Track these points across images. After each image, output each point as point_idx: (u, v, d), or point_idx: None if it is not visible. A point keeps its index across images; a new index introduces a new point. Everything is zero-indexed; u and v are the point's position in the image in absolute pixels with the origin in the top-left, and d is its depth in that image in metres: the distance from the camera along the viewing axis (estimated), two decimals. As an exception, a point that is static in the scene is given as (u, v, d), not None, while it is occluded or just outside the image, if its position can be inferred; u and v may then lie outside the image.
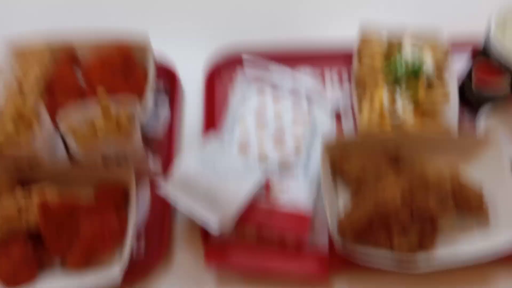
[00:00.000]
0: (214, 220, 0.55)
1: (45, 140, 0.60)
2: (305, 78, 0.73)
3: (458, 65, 0.69)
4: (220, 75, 0.76)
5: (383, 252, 0.52)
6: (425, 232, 0.51)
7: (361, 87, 0.68)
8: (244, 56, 0.76)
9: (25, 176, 0.61)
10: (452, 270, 0.55)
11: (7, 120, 0.58)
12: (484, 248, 0.51)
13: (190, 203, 0.57)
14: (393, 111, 0.63)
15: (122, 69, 0.71)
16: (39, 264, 0.56)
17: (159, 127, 0.71)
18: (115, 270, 0.54)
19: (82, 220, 0.57)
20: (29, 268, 0.55)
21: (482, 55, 0.60)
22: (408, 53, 0.66)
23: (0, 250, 0.56)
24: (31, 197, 0.56)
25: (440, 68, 0.67)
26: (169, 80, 0.76)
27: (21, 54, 0.70)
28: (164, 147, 0.69)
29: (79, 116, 0.60)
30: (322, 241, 0.58)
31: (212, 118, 0.71)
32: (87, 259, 0.56)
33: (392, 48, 0.68)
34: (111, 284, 0.54)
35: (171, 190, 0.58)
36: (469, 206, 0.54)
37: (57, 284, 0.55)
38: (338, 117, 0.70)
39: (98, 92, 0.62)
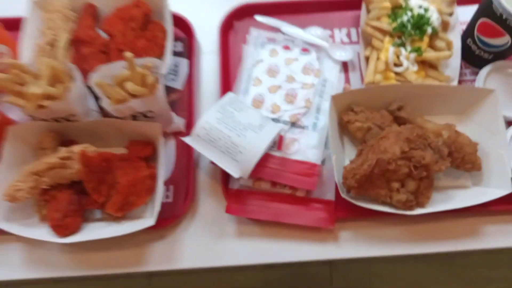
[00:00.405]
0: (236, 169, 0.62)
1: (78, 95, 0.64)
2: (315, 35, 0.76)
3: (463, 21, 0.73)
4: (234, 34, 0.79)
5: (383, 206, 0.61)
6: (421, 189, 0.60)
7: (368, 44, 0.72)
8: (257, 17, 0.78)
9: (65, 135, 0.66)
10: (445, 219, 0.64)
11: (43, 77, 0.61)
12: (475, 201, 0.59)
13: (213, 154, 0.63)
14: (397, 63, 0.68)
15: (141, 25, 0.74)
16: (83, 211, 0.64)
17: (179, 83, 0.75)
18: (149, 220, 0.61)
19: (117, 171, 0.64)
20: (75, 213, 0.62)
21: (485, 13, 0.63)
22: (415, 7, 0.69)
23: (49, 197, 0.62)
24: (71, 151, 0.62)
25: (444, 22, 0.71)
26: (186, 37, 0.78)
27: (46, 11, 0.72)
28: (185, 102, 0.73)
29: (107, 73, 0.63)
30: (329, 190, 0.66)
31: (228, 77, 0.75)
32: (124, 206, 0.63)
33: (399, 3, 0.71)
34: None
35: (195, 141, 0.63)
36: (463, 158, 0.61)
37: (99, 230, 0.63)
38: (346, 70, 0.75)
39: (123, 51, 0.66)
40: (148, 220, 0.61)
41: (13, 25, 0.73)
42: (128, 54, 0.60)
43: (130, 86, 0.61)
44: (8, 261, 0.66)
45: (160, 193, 0.63)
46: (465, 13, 0.73)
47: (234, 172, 0.62)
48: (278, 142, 0.67)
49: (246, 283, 1.20)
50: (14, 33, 0.73)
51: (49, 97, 0.62)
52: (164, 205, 0.64)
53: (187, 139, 0.64)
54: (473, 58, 0.71)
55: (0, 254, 0.67)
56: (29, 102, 0.61)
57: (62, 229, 0.62)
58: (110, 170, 0.64)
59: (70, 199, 0.63)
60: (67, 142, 0.67)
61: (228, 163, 0.62)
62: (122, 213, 0.63)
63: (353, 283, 1.31)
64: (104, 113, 0.67)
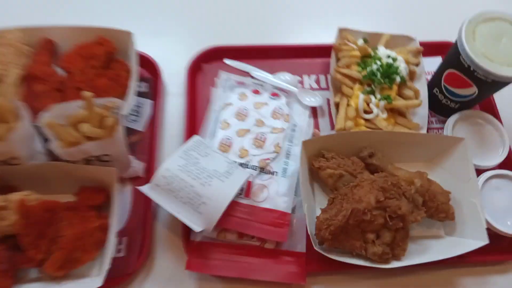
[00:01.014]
0: (198, 221, 0.56)
1: (23, 136, 0.58)
2: (285, 80, 0.75)
3: (429, 72, 0.75)
4: (203, 77, 0.76)
5: (358, 259, 0.56)
6: (397, 240, 0.56)
7: (338, 90, 0.72)
8: (226, 60, 0.77)
9: (4, 180, 0.59)
10: (421, 271, 0.61)
11: (-18, 115, 0.54)
12: (451, 253, 0.57)
13: (172, 205, 0.57)
14: (367, 110, 0.67)
15: (103, 63, 0.70)
16: (15, 271, 0.54)
17: (141, 125, 0.70)
18: (96, 280, 0.53)
19: (62, 222, 0.56)
20: (4, 274, 0.53)
21: (452, 64, 0.64)
22: (382, 57, 0.70)
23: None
24: (8, 200, 0.54)
25: (412, 71, 0.72)
26: (152, 78, 0.75)
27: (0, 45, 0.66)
28: (146, 145, 0.68)
29: (61, 113, 0.58)
30: (300, 241, 0.61)
31: (194, 119, 0.71)
32: (67, 263, 0.55)
33: (368, 52, 0.72)
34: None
35: (153, 191, 0.58)
36: (437, 208, 0.59)
37: None
38: (315, 115, 0.74)
39: (81, 90, 0.61)
40: (95, 280, 0.53)
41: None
42: (87, 93, 0.55)
43: (86, 128, 0.56)
44: None
45: (111, 247, 0.55)
46: (431, 64, 0.75)
47: (196, 225, 0.56)
48: (246, 189, 0.62)
49: None
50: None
51: (-11, 137, 0.55)
52: (115, 261, 0.56)
53: (144, 189, 0.58)
54: (440, 107, 0.72)
55: None
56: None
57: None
58: (54, 222, 0.56)
59: (1, 256, 0.54)
60: (5, 188, 0.59)
61: (190, 215, 0.57)
62: (64, 272, 0.55)
63: None
64: (53, 156, 0.60)
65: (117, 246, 0.60)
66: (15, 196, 0.55)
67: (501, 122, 0.71)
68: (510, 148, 0.68)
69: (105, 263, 0.54)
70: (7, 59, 0.66)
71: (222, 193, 0.57)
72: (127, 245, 0.60)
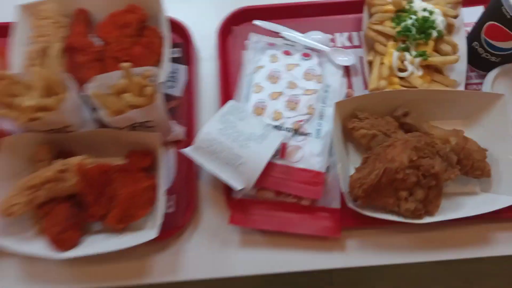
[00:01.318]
0: (238, 180, 0.60)
1: (72, 105, 0.62)
2: (316, 39, 0.75)
3: (468, 23, 0.72)
4: (233, 40, 0.77)
5: (391, 215, 0.59)
6: (430, 197, 0.58)
7: (371, 48, 0.71)
8: (256, 22, 0.77)
9: (62, 146, 0.65)
10: (455, 227, 0.63)
11: (36, 87, 0.59)
12: (485, 208, 0.58)
13: (214, 165, 0.61)
14: (402, 68, 0.67)
15: (137, 31, 0.72)
16: (82, 224, 0.62)
17: (178, 90, 0.73)
18: (151, 232, 0.59)
19: (116, 183, 0.62)
20: (74, 227, 0.60)
21: (493, 16, 0.63)
22: (419, 10, 0.68)
23: (46, 210, 0.60)
24: (68, 163, 0.60)
25: (450, 24, 0.70)
26: (184, 43, 0.77)
27: (36, 17, 0.69)
28: (184, 110, 0.72)
29: (104, 83, 0.61)
30: (334, 198, 0.64)
31: (228, 83, 0.73)
32: (125, 218, 0.61)
33: (402, 6, 0.70)
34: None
35: (196, 153, 0.62)
36: (473, 166, 0.60)
37: (100, 243, 0.61)
38: (348, 75, 0.74)
39: (119, 59, 0.64)
40: (150, 232, 0.59)
41: (1, 31, 0.71)
42: (125, 64, 0.58)
43: (128, 97, 0.59)
44: (4, 277, 0.64)
45: (161, 205, 0.61)
46: (470, 15, 0.72)
47: (237, 184, 0.60)
48: (281, 150, 0.65)
49: (247, 280, 1.20)
50: (2, 39, 0.70)
51: (43, 108, 0.60)
52: (166, 216, 0.62)
53: (187, 151, 0.62)
54: (479, 62, 0.70)
55: None
56: (22, 114, 0.59)
57: (60, 243, 0.60)
58: (109, 182, 0.62)
59: (68, 213, 0.61)
60: (63, 153, 0.65)
61: (230, 174, 0.61)
62: (123, 225, 0.62)
63: (352, 282, 1.30)
64: (101, 124, 0.65)
65: (167, 203, 0.65)
66: (74, 160, 0.61)
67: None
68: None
69: (158, 217, 0.60)
70: (47, 31, 0.69)
71: (259, 154, 0.61)
72: (176, 202, 0.66)
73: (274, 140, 0.63)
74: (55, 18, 0.70)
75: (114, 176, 0.62)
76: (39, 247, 0.60)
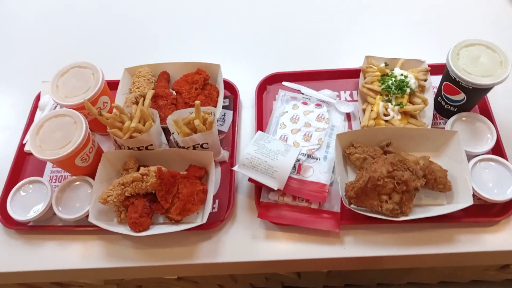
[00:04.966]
0: (274, 183, 0.84)
1: (156, 131, 0.92)
2: (326, 94, 1.03)
3: (435, 85, 0.99)
4: (267, 94, 1.07)
5: (376, 214, 0.81)
6: (404, 200, 0.80)
7: (364, 100, 0.98)
8: (284, 83, 1.07)
9: (142, 161, 0.92)
10: (427, 229, 0.83)
11: (135, 117, 0.89)
12: (445, 211, 0.79)
13: (255, 175, 0.85)
14: (386, 113, 0.93)
15: (201, 86, 1.03)
16: (152, 214, 0.86)
17: (226, 127, 1.02)
18: (201, 221, 0.83)
19: (180, 185, 0.88)
20: (147, 215, 0.85)
21: (446, 78, 0.88)
22: (398, 75, 0.95)
23: (129, 202, 0.86)
24: (149, 170, 0.87)
25: (421, 86, 0.97)
26: (232, 96, 1.08)
27: (135, 76, 1.04)
28: (229, 141, 1.00)
29: (179, 116, 0.91)
30: (336, 204, 0.87)
31: (261, 124, 1.01)
32: (183, 211, 0.85)
33: (386, 72, 0.97)
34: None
35: (242, 168, 0.86)
36: (436, 180, 0.81)
37: (163, 229, 0.84)
38: (349, 119, 1.01)
39: (188, 104, 0.95)
40: (200, 222, 0.83)
41: (112, 85, 1.04)
42: (197, 102, 0.88)
43: (196, 122, 0.88)
44: (91, 253, 0.88)
45: (210, 203, 0.85)
46: (437, 80, 0.99)
47: (273, 186, 0.84)
48: (297, 168, 0.90)
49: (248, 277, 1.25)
50: (113, 91, 1.03)
51: (138, 130, 0.89)
52: (211, 214, 0.85)
53: (236, 168, 0.87)
54: (442, 111, 0.96)
55: (85, 248, 0.89)
56: (125, 133, 0.89)
57: (137, 226, 0.83)
58: (175, 184, 0.88)
59: (144, 204, 0.86)
60: (143, 166, 0.92)
61: (267, 180, 0.85)
62: (182, 216, 0.85)
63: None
64: (170, 145, 0.94)
65: (212, 205, 0.90)
66: (154, 168, 0.88)
67: (494, 121, 0.92)
68: (497, 138, 0.89)
69: (206, 211, 0.84)
70: (141, 85, 1.03)
71: (286, 162, 0.85)
72: (219, 204, 0.90)
73: (294, 153, 0.87)
74: (147, 77, 1.04)
75: (178, 180, 0.89)
76: (121, 230, 0.84)
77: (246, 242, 0.86)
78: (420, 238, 0.84)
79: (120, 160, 0.93)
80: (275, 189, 0.84)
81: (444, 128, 0.93)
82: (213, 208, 0.90)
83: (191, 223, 0.86)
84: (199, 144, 0.91)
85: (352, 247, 0.84)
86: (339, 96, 1.05)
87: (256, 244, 0.86)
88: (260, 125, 1.01)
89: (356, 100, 1.03)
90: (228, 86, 1.07)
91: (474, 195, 0.80)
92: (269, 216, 0.87)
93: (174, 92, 1.04)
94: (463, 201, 0.80)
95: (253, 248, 0.86)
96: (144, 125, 0.89)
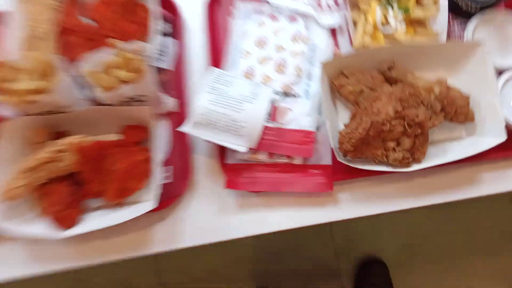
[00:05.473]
0: (242, 143, 0.63)
1: (65, 86, 0.64)
2: (302, 2, 0.75)
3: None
4: (221, 9, 0.77)
5: (380, 165, 0.61)
6: (417, 145, 0.60)
7: (355, 6, 0.72)
8: (241, -12, 0.77)
9: (59, 127, 0.67)
10: (442, 172, 0.65)
11: (30, 71, 0.61)
12: (470, 152, 0.60)
13: (215, 135, 0.63)
14: (385, 22, 0.68)
15: (127, 8, 0.72)
16: (79, 202, 0.64)
17: (168, 63, 0.74)
18: (149, 203, 0.61)
19: (112, 158, 0.64)
20: (73, 205, 0.63)
21: None
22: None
23: (46, 191, 0.63)
24: (66, 143, 0.62)
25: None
26: (172, 17, 0.77)
27: (30, 3, 0.71)
28: (175, 82, 0.73)
29: (95, 61, 0.63)
30: (325, 155, 0.67)
31: (216, 52, 0.74)
32: (122, 192, 0.64)
33: None
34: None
35: (195, 129, 0.63)
36: (456, 112, 0.62)
37: (100, 219, 0.63)
38: (334, 35, 0.74)
39: (110, 38, 0.65)
40: (148, 203, 0.62)
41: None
42: (113, 40, 0.59)
43: (120, 73, 0.61)
44: (10, 259, 0.66)
45: (157, 176, 0.63)
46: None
47: (241, 147, 0.62)
48: (272, 113, 0.67)
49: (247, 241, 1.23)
50: (-3, 28, 0.72)
51: (38, 91, 0.62)
52: (164, 186, 0.64)
53: (186, 129, 0.64)
54: (460, 11, 0.70)
55: (1, 253, 0.66)
56: (18, 98, 0.61)
57: (61, 222, 0.62)
58: (105, 158, 0.64)
59: (67, 191, 0.63)
60: (60, 134, 0.67)
61: (233, 139, 0.63)
62: (120, 199, 0.64)
63: (354, 236, 1.34)
64: (94, 101, 0.67)
65: (164, 174, 0.68)
66: (69, 140, 0.63)
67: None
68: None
69: (155, 189, 0.62)
70: (40, 17, 0.71)
71: (255, 112, 0.63)
72: (173, 172, 0.69)
73: (266, 96, 0.64)
74: (47, 3, 0.71)
75: (109, 152, 0.64)
76: (41, 228, 0.62)
77: (213, 218, 0.68)
78: (434, 183, 0.67)
79: (26, 130, 0.66)
80: (244, 151, 0.62)
81: (463, 35, 0.69)
82: (166, 179, 0.68)
83: (137, 202, 0.66)
84: (130, 97, 0.64)
85: (350, 206, 0.67)
86: (319, 4, 0.77)
87: (226, 219, 0.68)
88: (215, 55, 0.74)
89: (344, 8, 0.75)
90: (165, 3, 0.76)
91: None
92: (240, 183, 0.66)
93: (90, 22, 0.73)
94: (490, 134, 0.61)
95: (223, 224, 0.67)
96: (45, 81, 0.61)
